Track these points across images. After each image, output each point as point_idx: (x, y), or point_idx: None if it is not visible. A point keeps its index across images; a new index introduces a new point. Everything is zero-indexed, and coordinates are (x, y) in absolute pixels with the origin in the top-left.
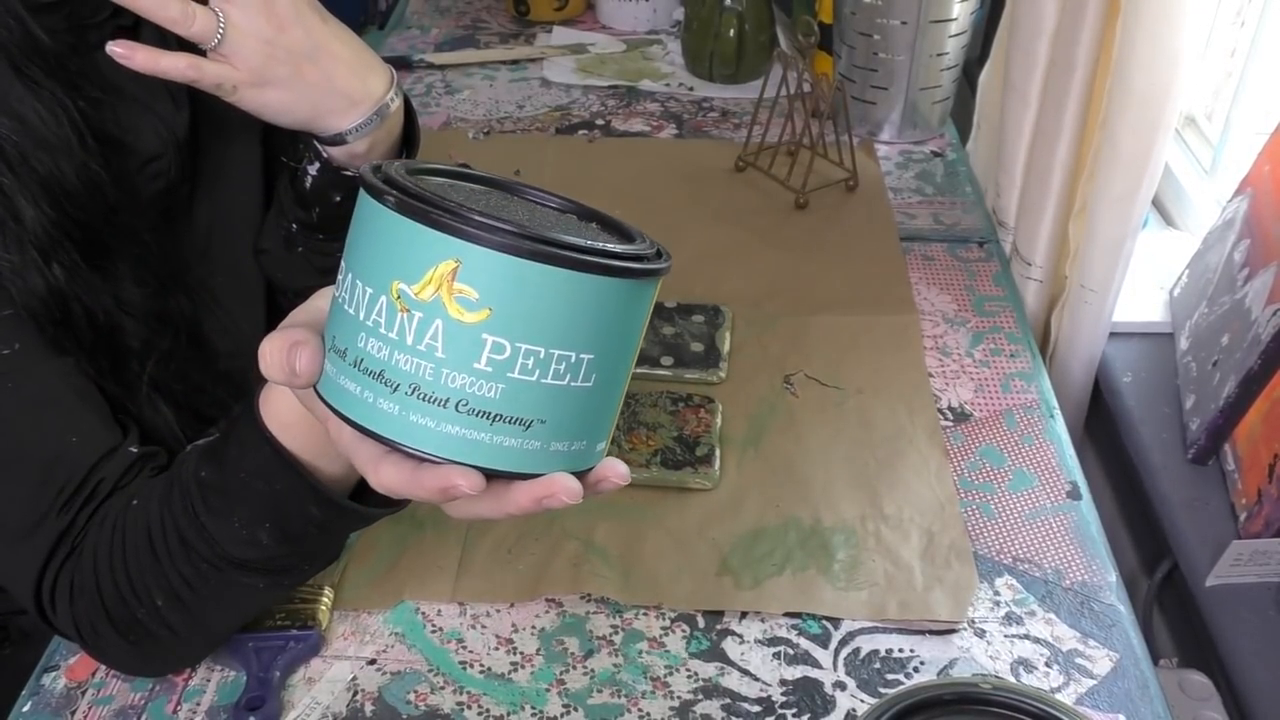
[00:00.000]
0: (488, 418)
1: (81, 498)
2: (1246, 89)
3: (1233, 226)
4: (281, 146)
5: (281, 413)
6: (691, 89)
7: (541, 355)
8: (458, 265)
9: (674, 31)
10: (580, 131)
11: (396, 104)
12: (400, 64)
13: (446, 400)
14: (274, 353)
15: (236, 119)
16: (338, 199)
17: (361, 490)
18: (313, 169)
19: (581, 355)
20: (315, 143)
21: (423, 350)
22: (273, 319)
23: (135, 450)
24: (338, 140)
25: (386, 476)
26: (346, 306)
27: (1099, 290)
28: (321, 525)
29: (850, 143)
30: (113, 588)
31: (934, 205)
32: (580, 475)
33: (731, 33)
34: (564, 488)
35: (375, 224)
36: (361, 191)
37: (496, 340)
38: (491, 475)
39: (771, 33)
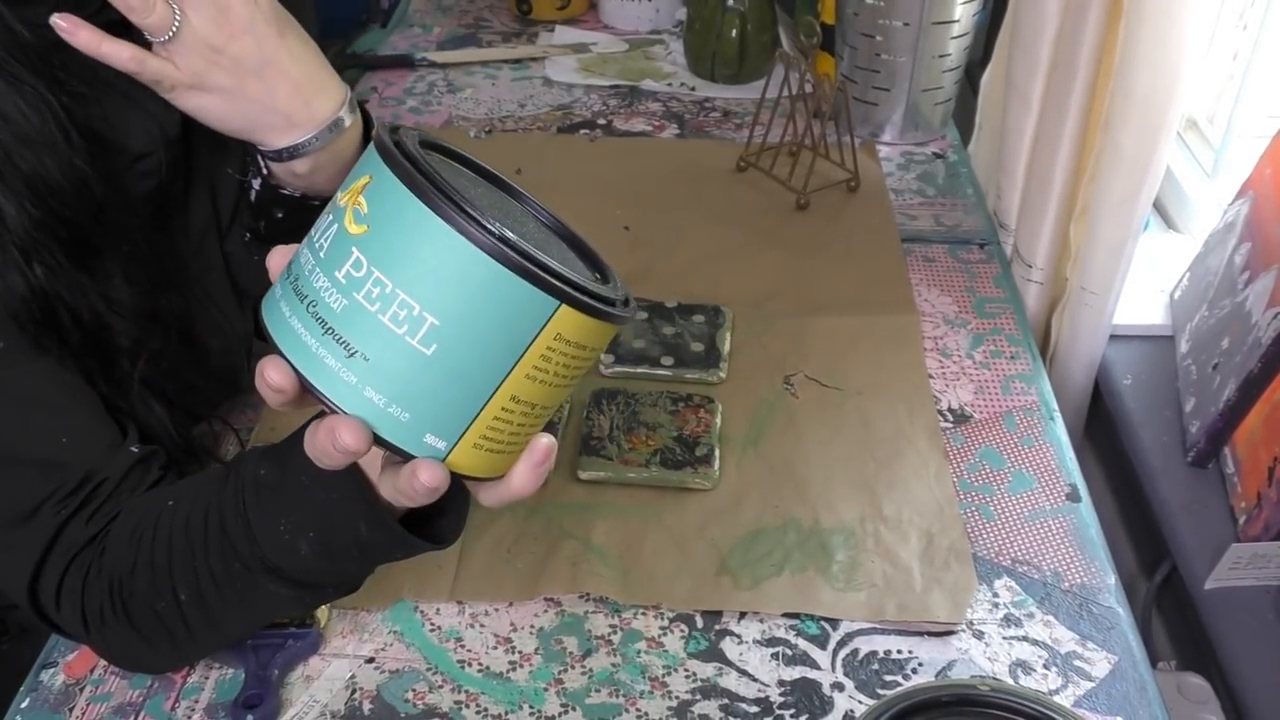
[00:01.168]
0: (322, 325)
1: (80, 496)
2: (1248, 92)
3: (1234, 229)
4: (232, 158)
5: None
6: (693, 89)
7: (388, 289)
8: (369, 181)
9: (676, 31)
10: (582, 131)
11: (347, 125)
12: (402, 62)
13: (305, 297)
14: (320, 443)
15: None
16: (279, 214)
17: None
18: (256, 183)
19: (425, 313)
20: (259, 157)
21: (315, 248)
22: None
23: (136, 450)
24: (278, 157)
25: (270, 372)
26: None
27: (1099, 292)
28: (364, 546)
29: (852, 144)
30: (134, 579)
31: (935, 207)
32: (394, 448)
33: (734, 33)
34: (349, 426)
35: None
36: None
37: (358, 257)
38: (303, 383)
39: (774, 33)
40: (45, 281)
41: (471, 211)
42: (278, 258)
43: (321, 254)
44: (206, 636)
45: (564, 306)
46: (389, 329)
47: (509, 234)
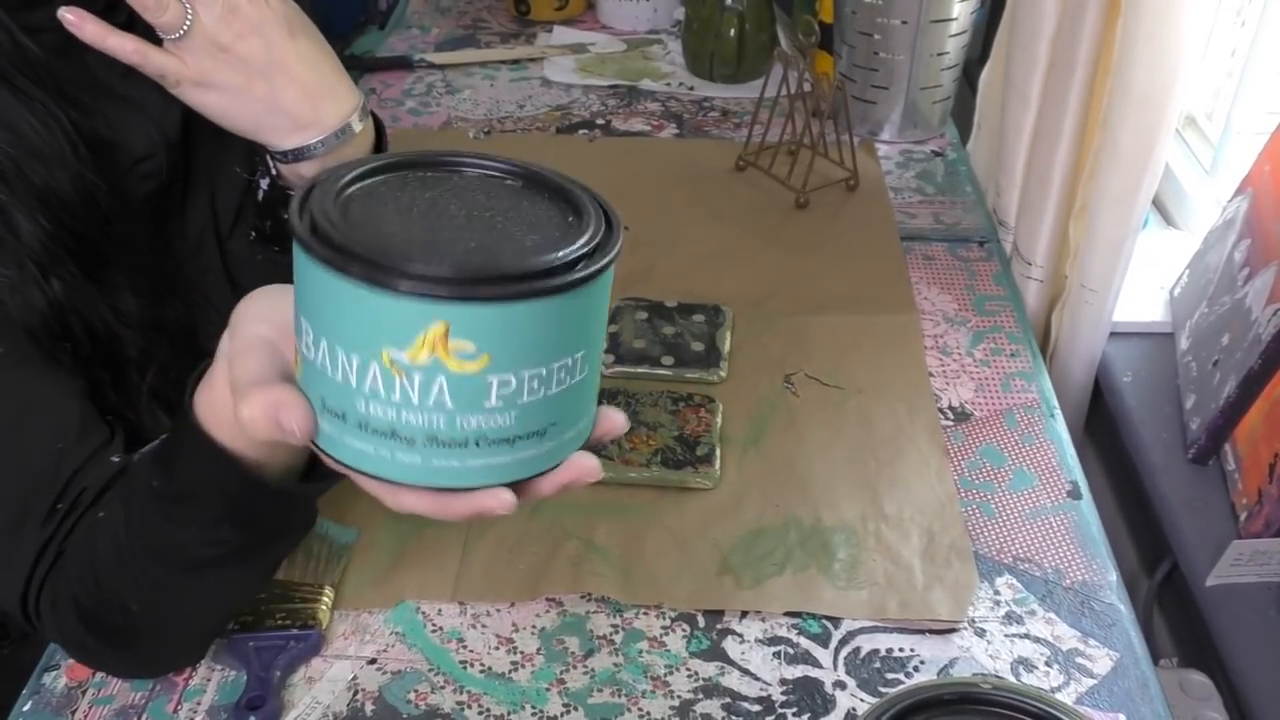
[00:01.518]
0: (508, 442)
1: (65, 506)
2: (1247, 89)
3: (1233, 226)
4: (240, 156)
5: (219, 410)
6: (692, 88)
7: (544, 374)
8: (448, 326)
9: (674, 31)
10: (581, 131)
11: (356, 132)
12: (401, 64)
13: (465, 441)
14: (260, 419)
15: None
16: (285, 216)
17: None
18: (264, 183)
19: (576, 355)
20: (267, 157)
21: (431, 405)
22: None
23: (117, 460)
24: (284, 158)
25: (411, 505)
26: (330, 373)
27: (1099, 290)
28: (279, 510)
29: (851, 142)
30: (86, 596)
31: (934, 205)
32: (586, 439)
33: (732, 32)
34: (586, 470)
35: (339, 293)
36: (305, 254)
37: (502, 378)
38: (516, 485)
39: (772, 32)
40: (62, 295)
41: (561, 264)
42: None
43: (448, 406)
44: (178, 636)
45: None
46: (559, 392)
47: (580, 251)
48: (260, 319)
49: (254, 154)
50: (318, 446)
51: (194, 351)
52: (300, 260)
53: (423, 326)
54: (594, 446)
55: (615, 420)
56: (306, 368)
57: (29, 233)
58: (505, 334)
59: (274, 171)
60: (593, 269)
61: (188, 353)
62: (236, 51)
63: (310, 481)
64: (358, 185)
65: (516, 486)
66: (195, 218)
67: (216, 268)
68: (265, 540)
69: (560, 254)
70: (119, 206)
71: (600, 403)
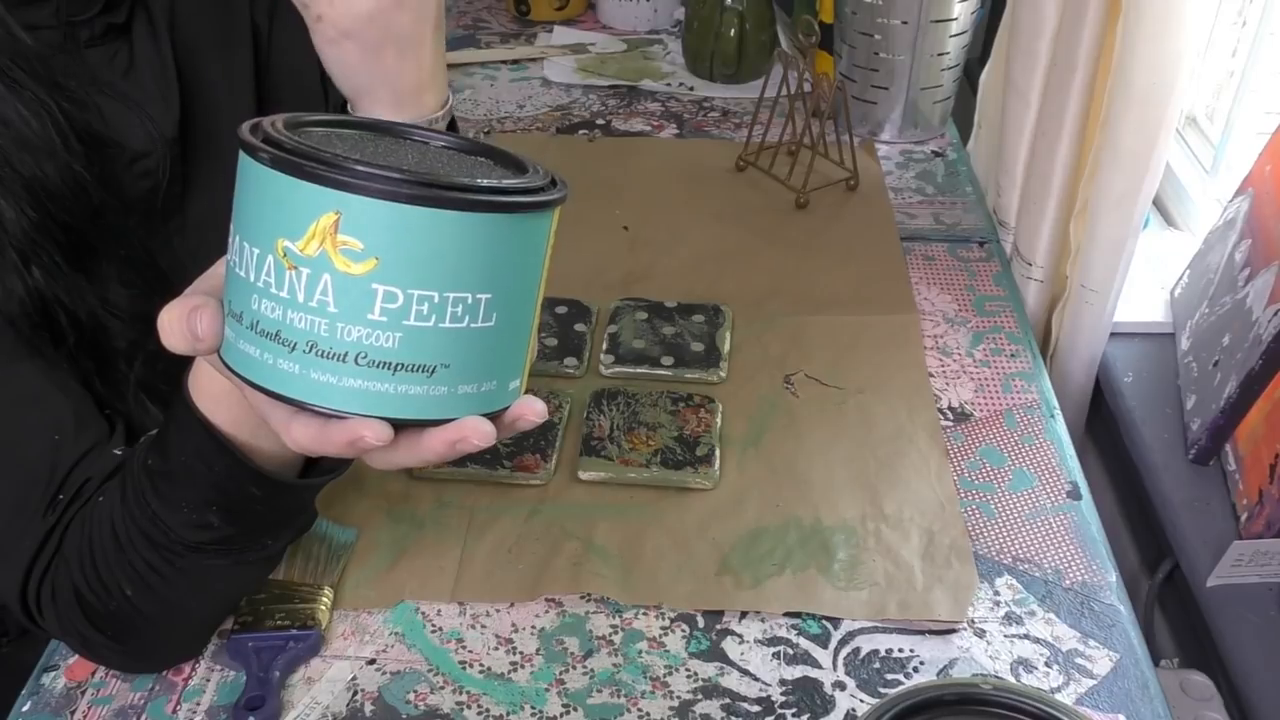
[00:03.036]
0: (389, 368)
1: (66, 498)
2: (1248, 88)
3: (1234, 226)
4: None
5: (209, 387)
6: (692, 89)
7: (436, 300)
8: (338, 217)
9: (675, 31)
10: (581, 131)
11: (438, 127)
12: None
13: (345, 354)
14: (174, 320)
15: (229, 116)
16: None
17: (310, 460)
18: None
19: (479, 295)
20: None
21: (314, 306)
22: None
23: (120, 452)
24: None
25: (297, 434)
26: (238, 269)
27: (1100, 290)
28: (265, 502)
29: (851, 142)
30: (84, 583)
31: (935, 205)
32: (494, 416)
33: (732, 32)
34: (475, 430)
35: (254, 182)
36: (240, 150)
37: (388, 289)
38: (400, 425)
39: (772, 32)
40: (43, 284)
41: (467, 184)
42: (203, 323)
43: (330, 309)
44: (175, 625)
45: (555, 212)
46: (454, 330)
47: (495, 183)
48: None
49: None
50: (220, 358)
51: None
52: (240, 163)
53: (315, 215)
54: (503, 428)
55: (533, 407)
56: (227, 273)
57: (12, 221)
58: (395, 238)
59: None
60: (503, 199)
61: None
62: (384, 17)
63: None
64: (321, 127)
65: (400, 432)
66: (196, 215)
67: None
68: (254, 532)
69: (477, 180)
70: (112, 200)
71: (557, 432)
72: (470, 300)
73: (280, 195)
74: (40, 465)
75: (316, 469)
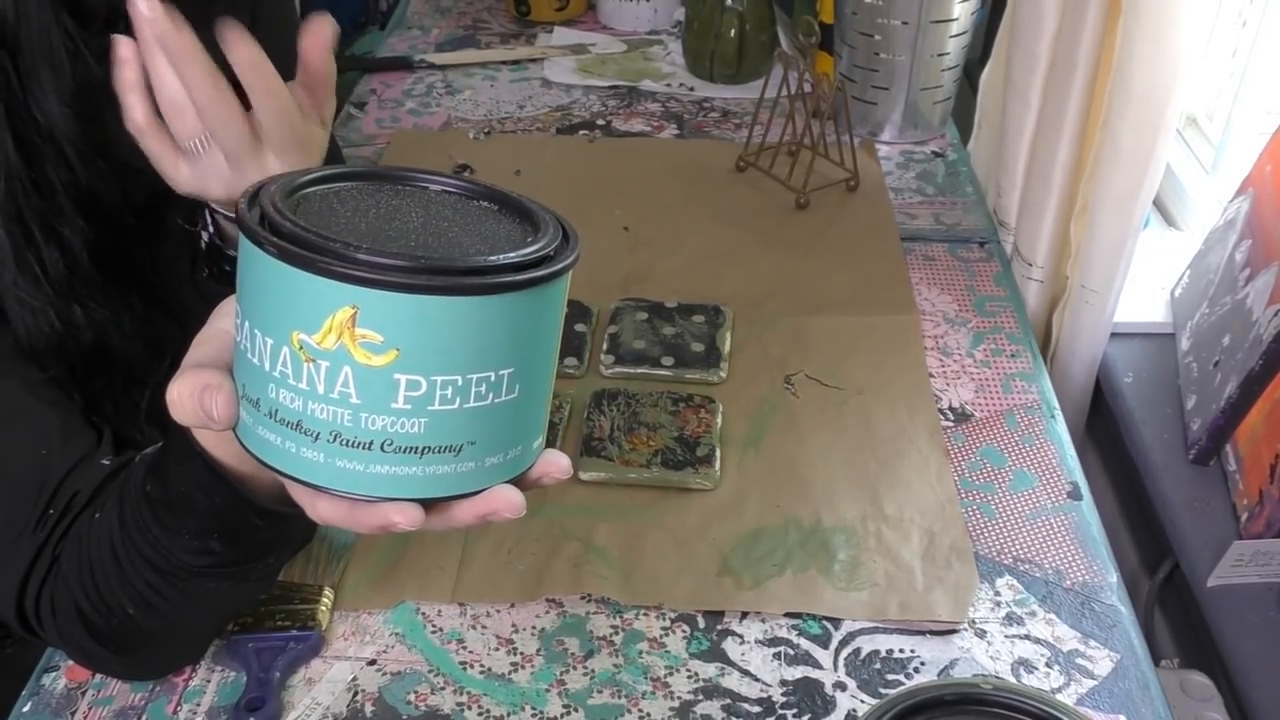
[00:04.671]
0: (416, 452)
1: (57, 512)
2: (1248, 89)
3: (1234, 227)
4: (181, 211)
5: None
6: (692, 89)
7: (460, 382)
8: (355, 311)
9: (675, 32)
10: (581, 132)
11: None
12: (401, 64)
13: (370, 443)
14: (185, 399)
15: None
16: (228, 268)
17: None
18: (205, 234)
19: (501, 372)
20: (207, 213)
21: (336, 398)
22: None
23: (108, 463)
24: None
25: (324, 512)
26: (250, 355)
27: (1100, 290)
28: (269, 530)
29: (851, 143)
30: (85, 600)
31: (935, 205)
32: (521, 475)
33: (732, 33)
34: (506, 503)
35: (262, 272)
36: (242, 235)
37: (410, 378)
38: (430, 504)
39: (772, 33)
40: (79, 318)
41: (483, 266)
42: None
43: (353, 400)
44: (177, 641)
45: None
46: (478, 409)
47: (510, 258)
48: (229, 314)
49: (194, 206)
50: (237, 436)
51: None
52: (241, 245)
53: (330, 309)
54: (528, 485)
55: (558, 463)
56: (237, 354)
57: (54, 260)
58: (415, 329)
59: (212, 228)
60: (519, 277)
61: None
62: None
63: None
64: (317, 186)
65: (429, 507)
66: (170, 227)
67: (211, 293)
68: (256, 555)
69: (490, 258)
70: (128, 223)
71: (559, 432)
72: (494, 378)
73: (292, 288)
74: (29, 481)
75: None
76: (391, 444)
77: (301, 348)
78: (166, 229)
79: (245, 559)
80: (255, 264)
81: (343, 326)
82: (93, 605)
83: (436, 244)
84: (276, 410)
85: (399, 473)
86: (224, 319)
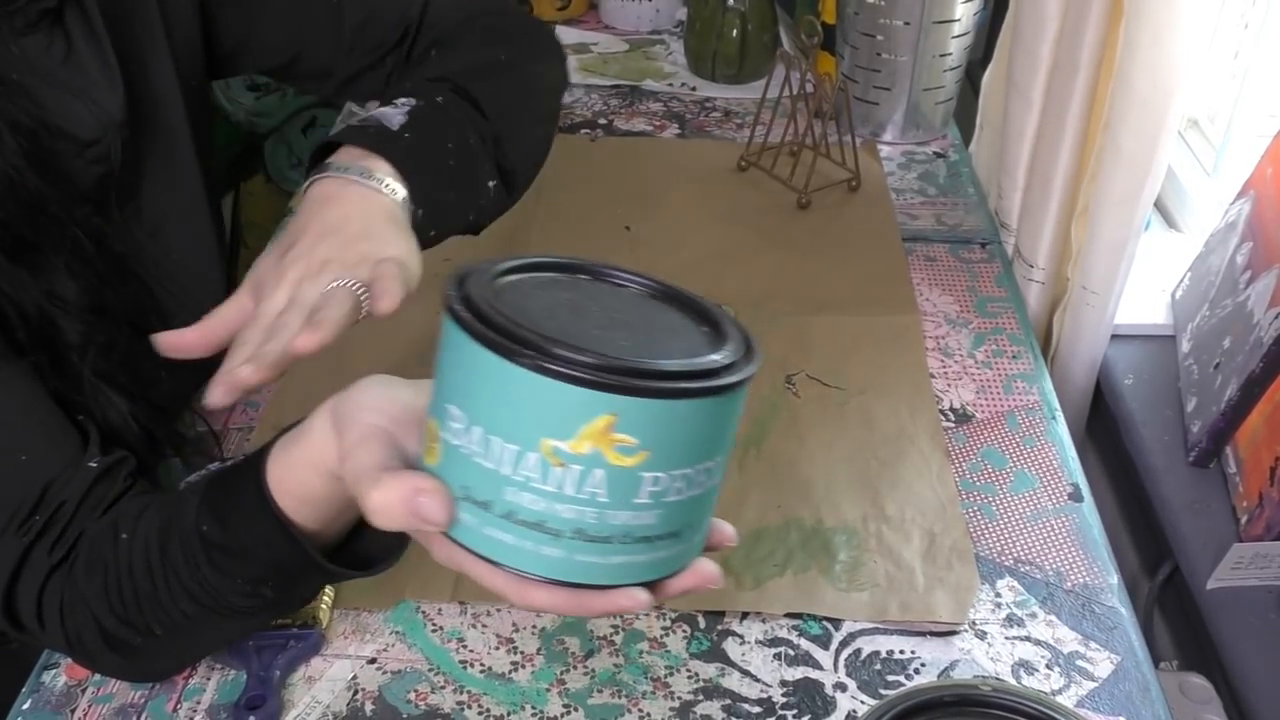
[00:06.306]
0: (648, 541)
1: (43, 519)
2: (1249, 91)
3: (1235, 229)
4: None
5: (295, 489)
6: (694, 89)
7: (690, 474)
8: (614, 419)
9: (677, 31)
10: (583, 131)
11: None
12: None
13: (610, 537)
14: (394, 505)
15: (175, 89)
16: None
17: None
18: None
19: (716, 460)
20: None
21: (584, 498)
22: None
23: (96, 465)
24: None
25: (542, 601)
26: (482, 460)
27: (1101, 292)
28: (324, 579)
29: (853, 143)
30: (110, 618)
31: (936, 206)
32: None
33: (734, 33)
34: (711, 576)
35: (503, 379)
36: (466, 335)
37: (654, 475)
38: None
39: (774, 33)
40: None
41: (719, 366)
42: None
43: (600, 499)
44: (190, 656)
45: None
46: (699, 495)
47: (731, 358)
48: (374, 409)
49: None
50: (451, 537)
51: (143, 334)
52: (459, 343)
53: (588, 418)
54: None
55: (726, 532)
56: (449, 455)
57: None
58: (666, 431)
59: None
60: (746, 374)
61: (136, 335)
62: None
63: (356, 548)
64: (506, 278)
65: (649, 586)
66: (153, 195)
67: (181, 246)
68: (302, 597)
69: (716, 357)
70: (54, 192)
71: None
72: (712, 465)
73: (545, 398)
74: (11, 482)
75: (378, 548)
76: (629, 536)
77: (554, 454)
78: (131, 189)
79: (291, 600)
80: (491, 369)
81: (600, 434)
82: (119, 622)
83: (641, 340)
84: (514, 512)
85: (630, 561)
86: (371, 414)
